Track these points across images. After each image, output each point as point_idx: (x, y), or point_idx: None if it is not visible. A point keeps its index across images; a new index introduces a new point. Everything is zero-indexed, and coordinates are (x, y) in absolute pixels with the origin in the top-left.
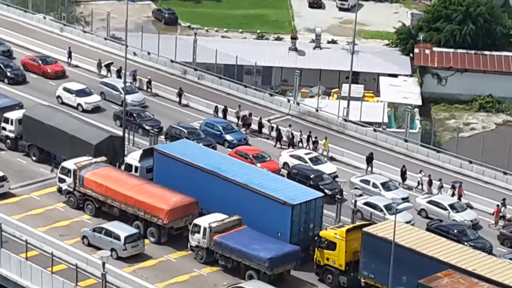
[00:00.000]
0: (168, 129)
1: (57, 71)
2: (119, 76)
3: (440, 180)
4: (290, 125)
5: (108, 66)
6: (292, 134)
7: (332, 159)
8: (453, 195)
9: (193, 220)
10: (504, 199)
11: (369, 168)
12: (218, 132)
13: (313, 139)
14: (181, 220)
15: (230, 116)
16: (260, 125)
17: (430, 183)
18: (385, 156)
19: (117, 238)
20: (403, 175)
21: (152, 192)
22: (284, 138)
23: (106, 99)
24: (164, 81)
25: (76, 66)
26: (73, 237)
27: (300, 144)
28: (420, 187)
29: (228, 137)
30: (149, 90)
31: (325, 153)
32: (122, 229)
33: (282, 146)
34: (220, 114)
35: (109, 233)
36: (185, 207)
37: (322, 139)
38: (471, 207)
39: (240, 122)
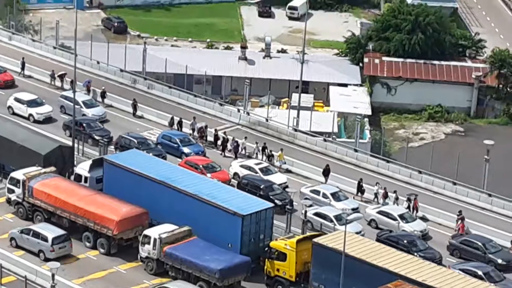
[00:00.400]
0: (117, 139)
1: (6, 80)
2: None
3: (395, 192)
4: (246, 137)
5: (61, 77)
6: (237, 142)
7: (288, 171)
8: (408, 207)
9: (143, 231)
10: (460, 211)
11: (326, 181)
12: (175, 145)
13: (268, 152)
14: (131, 231)
15: (185, 128)
16: (216, 137)
17: (385, 196)
18: (335, 166)
19: (45, 239)
20: (360, 188)
21: (101, 202)
22: (229, 147)
23: (66, 113)
24: (113, 91)
25: (30, 77)
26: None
27: (256, 156)
28: (376, 199)
29: (186, 149)
30: (103, 101)
31: (279, 164)
32: (50, 231)
33: (226, 155)
34: (176, 126)
35: (36, 234)
36: (135, 217)
37: (278, 150)
38: (427, 220)
39: (196, 134)
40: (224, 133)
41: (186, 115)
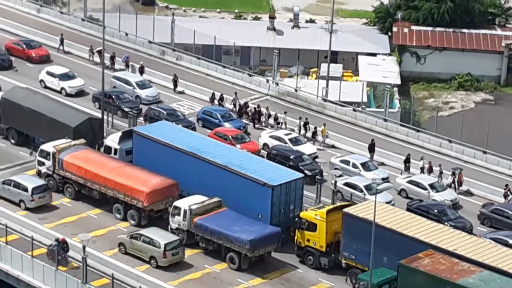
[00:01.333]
0: (147, 111)
1: (41, 55)
2: (112, 63)
3: (439, 166)
4: (285, 112)
5: (100, 53)
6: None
7: (333, 146)
8: (453, 182)
9: (173, 203)
10: (506, 185)
11: (372, 158)
12: (216, 120)
13: (313, 129)
14: (161, 203)
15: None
16: (259, 113)
17: (430, 170)
18: (365, 136)
19: (25, 189)
20: (407, 162)
21: (131, 174)
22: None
23: None
24: (143, 62)
25: (69, 53)
26: (52, 221)
27: (299, 132)
28: (422, 174)
29: (227, 125)
30: (142, 76)
31: (322, 139)
32: (30, 181)
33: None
34: (216, 102)
35: (17, 185)
36: (165, 189)
37: (321, 125)
38: (472, 194)
39: (242, 110)
40: (267, 108)
41: (215, 87)
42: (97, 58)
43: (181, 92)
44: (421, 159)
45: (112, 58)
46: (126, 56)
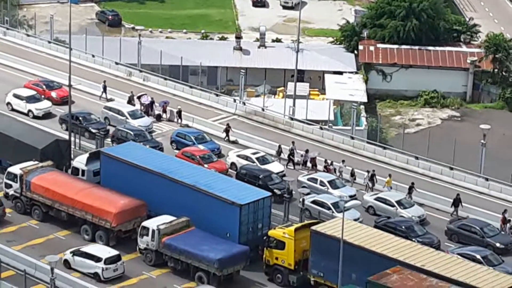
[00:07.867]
0: (114, 132)
1: (62, 96)
2: (151, 109)
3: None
4: (343, 161)
5: (140, 98)
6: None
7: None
8: None
9: (142, 223)
10: (505, 210)
11: (455, 212)
12: (190, 143)
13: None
14: (130, 223)
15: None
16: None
17: (504, 221)
18: (332, 154)
19: None
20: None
21: (99, 195)
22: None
23: (111, 125)
24: (109, 84)
25: (111, 100)
26: (20, 243)
27: (366, 187)
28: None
29: (201, 147)
30: (179, 121)
31: (387, 190)
32: None
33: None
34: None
35: None
36: (133, 209)
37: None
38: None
39: (308, 163)
40: (332, 164)
41: (183, 106)
42: (137, 105)
43: (234, 142)
44: (504, 212)
45: (151, 104)
46: (164, 101)
